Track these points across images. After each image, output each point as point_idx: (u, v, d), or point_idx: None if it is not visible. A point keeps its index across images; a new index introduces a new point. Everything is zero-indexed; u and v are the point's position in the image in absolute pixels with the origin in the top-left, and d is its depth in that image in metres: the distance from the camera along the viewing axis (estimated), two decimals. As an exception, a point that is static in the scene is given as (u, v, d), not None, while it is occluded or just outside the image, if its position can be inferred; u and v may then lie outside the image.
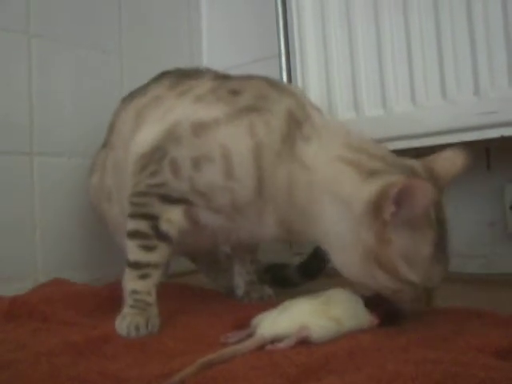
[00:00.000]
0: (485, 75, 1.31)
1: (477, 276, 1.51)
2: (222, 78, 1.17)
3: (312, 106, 1.11)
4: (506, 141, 1.32)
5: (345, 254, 0.95)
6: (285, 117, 1.04)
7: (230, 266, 1.36)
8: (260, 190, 1.02)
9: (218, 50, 2.00)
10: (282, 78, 1.66)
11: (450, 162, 1.00)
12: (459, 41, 1.35)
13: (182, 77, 1.21)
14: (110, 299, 1.17)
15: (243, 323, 0.97)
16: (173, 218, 1.06)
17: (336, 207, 0.96)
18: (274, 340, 0.85)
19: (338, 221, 0.95)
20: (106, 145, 1.34)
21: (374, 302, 0.97)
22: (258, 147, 1.01)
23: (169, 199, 1.06)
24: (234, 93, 1.08)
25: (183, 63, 1.30)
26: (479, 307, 1.05)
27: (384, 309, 0.96)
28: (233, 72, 1.21)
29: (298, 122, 1.04)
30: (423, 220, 0.90)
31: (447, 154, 1.02)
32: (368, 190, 0.92)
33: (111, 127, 1.33)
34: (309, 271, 1.41)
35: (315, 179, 0.98)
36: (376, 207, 0.90)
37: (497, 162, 1.52)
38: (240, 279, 1.31)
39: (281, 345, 0.83)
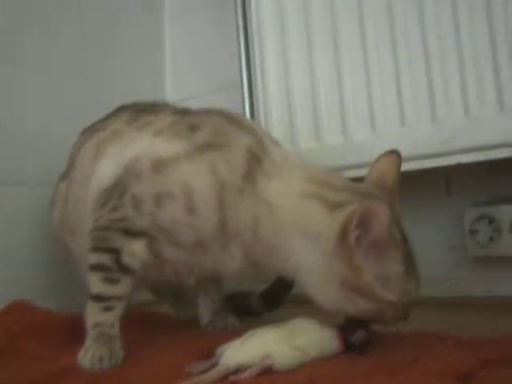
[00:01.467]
0: (441, 104, 1.35)
1: (440, 299, 1.53)
2: (180, 112, 1.18)
3: (271, 140, 1.12)
4: (464, 166, 1.35)
5: (321, 288, 0.96)
6: (244, 154, 1.04)
7: (193, 296, 1.35)
8: (223, 226, 1.02)
9: (180, 80, 2.01)
10: (244, 107, 1.67)
11: (387, 167, 1.05)
12: (416, 71, 1.39)
13: (139, 112, 1.21)
14: (74, 330, 1.14)
15: (208, 353, 0.97)
16: (135, 251, 1.05)
17: (306, 244, 0.97)
18: (238, 369, 0.85)
19: (309, 257, 0.96)
20: (65, 176, 1.33)
21: (343, 328, 0.97)
22: (219, 184, 1.02)
23: (130, 233, 1.05)
24: (193, 128, 1.09)
25: (146, 93, 1.31)
26: (442, 330, 1.06)
27: (353, 335, 0.97)
28: (195, 102, 1.22)
29: (257, 158, 1.04)
30: (387, 240, 0.92)
31: (382, 161, 1.07)
32: (335, 222, 0.94)
33: (71, 161, 1.32)
34: (271, 300, 1.41)
35: (281, 217, 0.99)
36: (342, 236, 0.91)
37: (457, 187, 1.55)
38: (204, 309, 1.30)
39: (244, 374, 0.83)
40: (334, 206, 0.96)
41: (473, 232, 1.47)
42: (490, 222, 1.46)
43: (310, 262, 0.96)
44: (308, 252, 0.96)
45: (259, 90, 1.61)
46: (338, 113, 1.50)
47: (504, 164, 1.34)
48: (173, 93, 1.96)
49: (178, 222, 1.03)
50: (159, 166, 1.04)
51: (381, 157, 1.09)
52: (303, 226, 0.98)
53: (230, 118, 1.13)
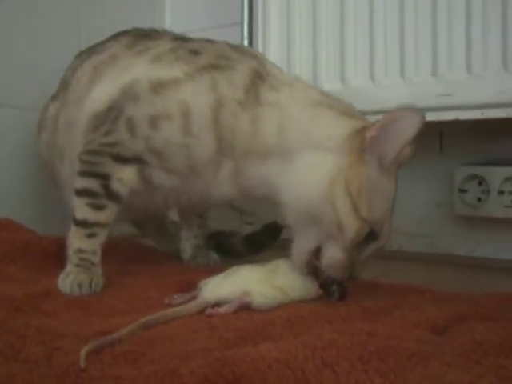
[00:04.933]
0: (444, 57, 1.33)
1: (422, 255, 1.54)
2: (181, 39, 1.16)
3: (274, 65, 1.11)
4: (459, 124, 1.34)
5: (310, 186, 0.94)
6: (248, 72, 1.04)
7: (176, 231, 1.36)
8: (218, 144, 1.02)
9: (180, 13, 1.97)
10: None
11: None
12: (421, 21, 1.36)
13: (139, 37, 1.19)
14: (57, 254, 1.15)
15: (187, 287, 0.98)
16: (125, 178, 1.05)
17: (309, 141, 0.96)
18: (217, 304, 0.86)
19: (309, 155, 0.96)
20: (55, 98, 1.31)
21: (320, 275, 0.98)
22: (217, 101, 1.01)
23: (121, 159, 1.05)
24: (195, 53, 1.08)
25: (145, 23, 1.28)
26: (420, 284, 1.07)
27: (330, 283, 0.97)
28: (194, 36, 1.19)
29: (260, 76, 1.04)
30: (392, 174, 0.94)
31: None
32: (351, 123, 0.96)
33: (64, 83, 1.29)
34: (256, 244, 1.41)
35: (289, 116, 0.99)
36: (358, 134, 0.93)
37: (450, 146, 1.54)
38: (186, 243, 1.31)
39: (221, 309, 0.84)
40: (350, 116, 0.99)
41: (462, 191, 1.47)
42: (480, 183, 1.46)
43: (309, 153, 0.96)
44: (309, 149, 0.96)
45: (259, 28, 1.58)
46: (338, 58, 1.47)
47: (499, 125, 1.33)
48: (172, 26, 1.91)
49: (172, 144, 1.02)
50: (158, 87, 1.03)
51: None
52: (311, 126, 0.97)
53: (233, 46, 1.12)
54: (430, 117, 1.29)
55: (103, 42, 1.26)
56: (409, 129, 0.88)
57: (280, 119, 0.99)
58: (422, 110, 0.90)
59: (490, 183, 1.43)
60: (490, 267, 1.42)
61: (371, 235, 0.92)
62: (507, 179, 1.41)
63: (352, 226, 0.90)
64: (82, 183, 1.06)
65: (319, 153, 0.95)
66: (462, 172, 1.48)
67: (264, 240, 1.41)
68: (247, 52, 1.13)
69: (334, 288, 0.95)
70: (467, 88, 1.29)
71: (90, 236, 1.04)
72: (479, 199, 1.46)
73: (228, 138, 1.02)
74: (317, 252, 0.95)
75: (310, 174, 0.95)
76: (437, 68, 1.34)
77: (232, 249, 1.42)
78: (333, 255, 0.93)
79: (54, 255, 1.17)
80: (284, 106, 1.00)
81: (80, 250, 1.03)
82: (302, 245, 0.96)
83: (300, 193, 0.95)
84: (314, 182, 0.94)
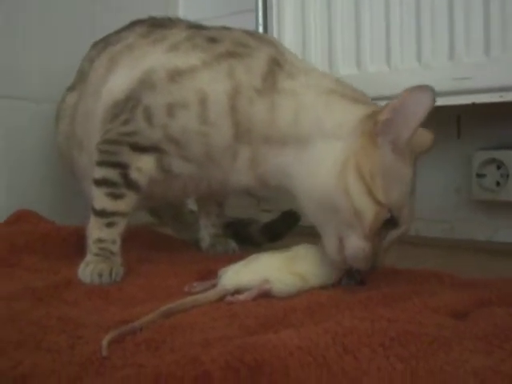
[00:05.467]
0: (461, 40, 1.31)
1: (440, 240, 1.54)
2: (196, 27, 1.16)
3: (291, 53, 1.10)
4: (477, 108, 1.32)
5: (320, 171, 0.93)
6: (266, 59, 1.03)
7: (195, 219, 1.36)
8: (235, 132, 1.01)
9: (194, 1, 1.97)
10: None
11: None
12: (438, 4, 1.34)
13: (154, 26, 1.19)
14: (76, 244, 1.16)
15: (206, 275, 0.98)
16: (143, 167, 1.05)
17: (323, 129, 0.95)
18: (236, 292, 0.86)
19: (324, 135, 0.94)
20: (72, 89, 1.31)
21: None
22: (235, 89, 1.00)
23: (140, 148, 1.05)
24: (212, 40, 1.07)
25: (158, 12, 1.27)
26: (439, 270, 1.06)
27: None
28: (207, 24, 1.18)
29: (279, 64, 1.03)
30: (407, 157, 0.91)
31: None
32: (362, 110, 0.94)
33: (82, 74, 1.30)
34: (274, 232, 1.41)
35: (306, 103, 0.98)
36: (370, 118, 0.91)
37: (467, 130, 1.53)
38: (205, 232, 1.31)
39: (241, 297, 0.85)
40: (361, 103, 0.97)
41: (480, 176, 1.46)
42: (499, 167, 1.44)
43: (322, 140, 0.94)
44: (321, 138, 0.94)
45: (274, 15, 1.57)
46: (354, 44, 1.46)
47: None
48: (185, 14, 1.91)
49: (190, 132, 1.02)
50: (175, 75, 1.03)
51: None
52: (324, 114, 0.96)
53: (250, 33, 1.12)
54: (448, 101, 1.28)
55: (118, 32, 1.26)
56: (420, 108, 0.86)
57: (296, 107, 0.99)
58: (437, 93, 0.88)
59: (508, 167, 1.42)
60: (510, 252, 1.41)
61: (391, 221, 0.90)
62: (526, 163, 1.40)
63: (369, 211, 0.87)
64: (101, 173, 1.06)
65: (331, 141, 0.93)
66: (480, 156, 1.47)
67: (282, 228, 1.41)
68: (265, 39, 1.12)
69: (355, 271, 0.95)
70: (485, 71, 1.27)
71: (109, 225, 1.04)
72: (498, 183, 1.45)
73: (245, 126, 1.01)
74: (340, 244, 0.92)
75: (320, 163, 0.93)
76: (454, 51, 1.32)
77: (250, 237, 1.42)
78: (355, 245, 0.90)
79: (74, 245, 1.18)
80: (299, 93, 0.99)
81: (99, 240, 1.04)
82: (328, 241, 0.94)
83: (312, 182, 0.94)
84: (325, 169, 0.92)
